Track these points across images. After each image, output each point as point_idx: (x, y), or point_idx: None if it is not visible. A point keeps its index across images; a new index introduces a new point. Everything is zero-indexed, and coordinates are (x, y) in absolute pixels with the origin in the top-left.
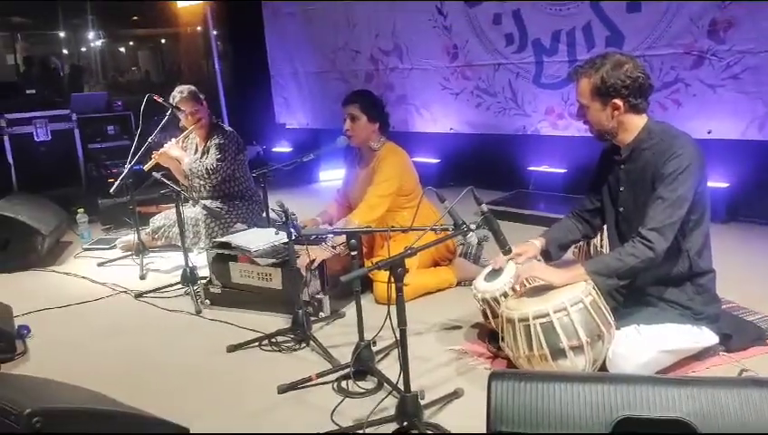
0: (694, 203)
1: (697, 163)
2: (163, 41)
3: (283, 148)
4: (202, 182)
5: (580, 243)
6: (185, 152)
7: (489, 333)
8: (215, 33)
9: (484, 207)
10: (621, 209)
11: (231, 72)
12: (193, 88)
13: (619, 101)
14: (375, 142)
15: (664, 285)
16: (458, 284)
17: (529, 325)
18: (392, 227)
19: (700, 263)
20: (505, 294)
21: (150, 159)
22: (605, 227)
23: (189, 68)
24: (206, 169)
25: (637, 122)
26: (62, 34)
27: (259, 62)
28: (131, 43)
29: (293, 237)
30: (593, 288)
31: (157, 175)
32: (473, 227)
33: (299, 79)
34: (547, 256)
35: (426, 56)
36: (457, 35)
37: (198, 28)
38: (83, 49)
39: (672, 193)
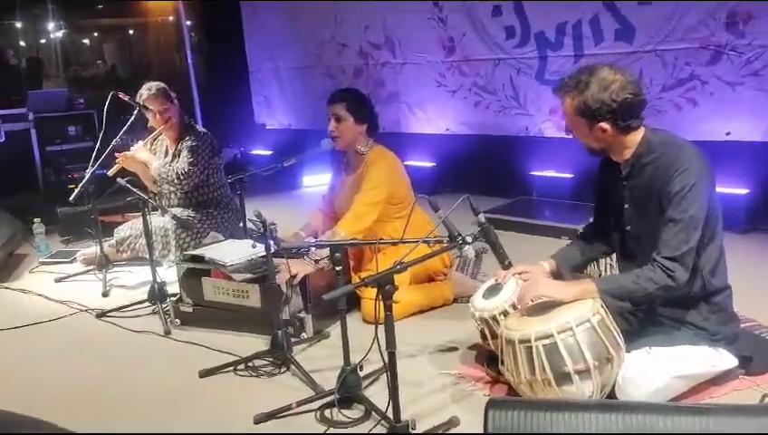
0: (706, 219)
1: (706, 178)
2: (131, 32)
3: (262, 151)
4: (172, 188)
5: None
6: (153, 155)
7: (488, 356)
8: (188, 23)
9: (482, 218)
10: (628, 228)
11: (206, 66)
12: (162, 85)
13: (605, 125)
14: (362, 145)
15: (676, 306)
16: (454, 301)
17: (531, 347)
18: (381, 238)
19: (714, 281)
20: (505, 313)
21: (115, 163)
22: None
23: (160, 62)
24: (177, 173)
25: (631, 139)
26: (18, 25)
27: (237, 57)
28: (96, 34)
29: (272, 250)
30: (601, 306)
31: (121, 181)
32: (469, 239)
33: (280, 75)
34: (558, 278)
35: (419, 50)
36: (453, 28)
37: (170, 18)
38: (43, 41)
39: (683, 214)
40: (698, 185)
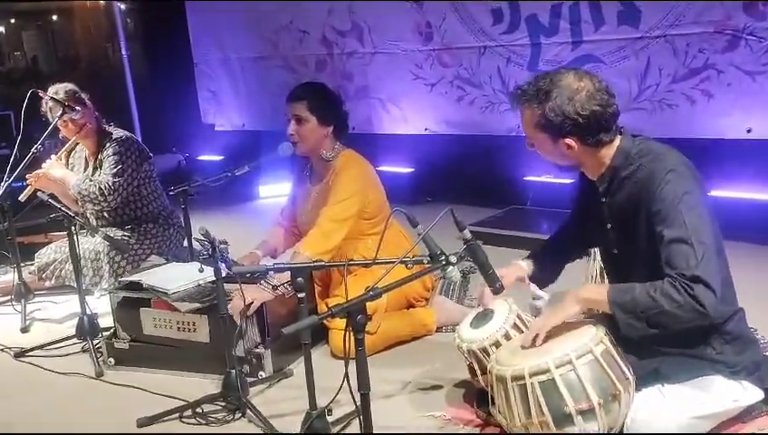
0: None
1: (695, 185)
2: (54, 18)
3: (211, 156)
4: (97, 208)
5: (594, 271)
6: (71, 171)
7: (478, 395)
8: (121, 7)
9: (467, 233)
10: (616, 251)
11: (143, 58)
12: (71, 86)
13: (570, 141)
14: (328, 151)
15: (683, 343)
16: (438, 330)
17: (525, 385)
18: (351, 259)
19: (720, 306)
20: (497, 344)
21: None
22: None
23: (89, 53)
24: (100, 188)
25: (604, 153)
26: None
27: (179, 46)
28: (13, 20)
29: (223, 275)
30: (605, 334)
31: (43, 195)
32: (453, 258)
33: (231, 67)
34: (536, 282)
35: (392, 37)
36: (432, 11)
37: (101, 2)
38: None
39: (681, 228)
40: (689, 192)
